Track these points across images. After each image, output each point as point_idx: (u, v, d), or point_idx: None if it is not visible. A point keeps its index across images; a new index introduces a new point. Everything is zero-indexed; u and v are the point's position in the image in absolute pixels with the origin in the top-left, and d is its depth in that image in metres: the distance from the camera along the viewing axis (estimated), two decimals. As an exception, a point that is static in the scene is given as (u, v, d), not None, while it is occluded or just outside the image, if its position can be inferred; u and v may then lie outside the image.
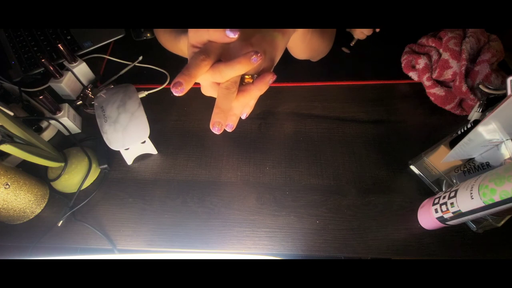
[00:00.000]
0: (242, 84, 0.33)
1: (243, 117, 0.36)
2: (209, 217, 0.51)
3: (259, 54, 0.30)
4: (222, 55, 0.33)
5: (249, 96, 0.33)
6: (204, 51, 0.32)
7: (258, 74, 0.33)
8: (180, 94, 0.30)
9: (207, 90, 0.34)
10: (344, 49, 0.69)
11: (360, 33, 0.66)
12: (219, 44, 0.33)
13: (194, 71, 0.30)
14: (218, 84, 0.33)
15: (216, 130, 0.31)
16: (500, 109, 0.36)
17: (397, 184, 0.52)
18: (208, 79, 0.32)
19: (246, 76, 0.33)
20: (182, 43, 0.51)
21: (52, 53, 0.73)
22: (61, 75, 0.62)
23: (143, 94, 0.64)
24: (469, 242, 0.47)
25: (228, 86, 0.32)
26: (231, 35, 0.31)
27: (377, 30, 0.66)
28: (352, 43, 0.69)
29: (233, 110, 0.33)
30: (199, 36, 0.33)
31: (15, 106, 0.60)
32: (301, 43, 0.52)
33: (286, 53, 0.57)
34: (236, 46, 0.33)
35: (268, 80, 0.33)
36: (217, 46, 0.33)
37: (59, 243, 0.51)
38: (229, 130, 0.33)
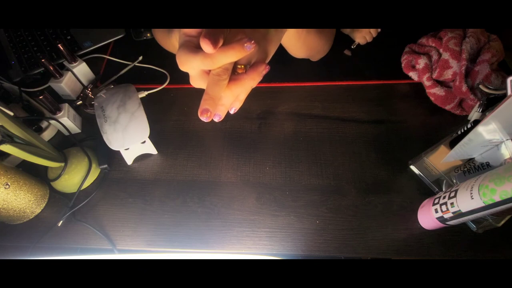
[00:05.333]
0: (234, 74, 0.32)
1: (232, 111, 0.35)
2: (209, 217, 0.51)
3: (252, 42, 0.29)
4: None
5: (241, 86, 0.32)
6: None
7: (251, 66, 0.33)
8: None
9: (196, 80, 0.33)
10: (347, 52, 0.68)
11: (362, 38, 0.66)
12: None
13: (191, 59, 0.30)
14: (208, 73, 0.32)
15: (204, 118, 0.31)
16: (500, 109, 0.36)
17: (397, 184, 0.52)
18: (199, 67, 0.31)
19: (239, 66, 0.32)
20: (174, 38, 0.50)
21: (52, 53, 0.73)
22: (61, 75, 0.62)
23: (143, 94, 0.64)
24: (469, 242, 0.47)
25: (219, 73, 0.31)
26: None
27: (374, 35, 0.65)
28: (353, 46, 0.68)
29: (223, 99, 0.32)
30: None
31: (15, 106, 0.60)
32: (297, 41, 0.52)
33: (286, 53, 0.57)
34: (228, 34, 0.32)
35: (261, 70, 0.32)
36: None
37: (59, 243, 0.51)
38: (216, 120, 0.33)
